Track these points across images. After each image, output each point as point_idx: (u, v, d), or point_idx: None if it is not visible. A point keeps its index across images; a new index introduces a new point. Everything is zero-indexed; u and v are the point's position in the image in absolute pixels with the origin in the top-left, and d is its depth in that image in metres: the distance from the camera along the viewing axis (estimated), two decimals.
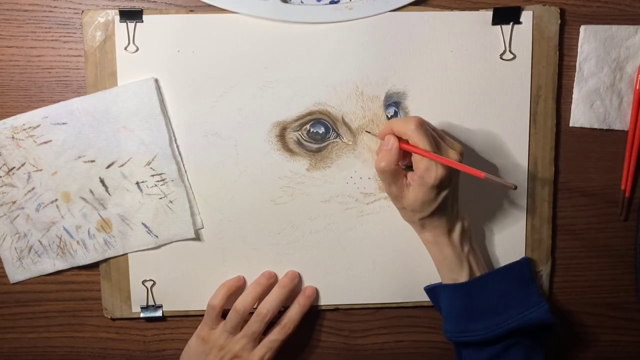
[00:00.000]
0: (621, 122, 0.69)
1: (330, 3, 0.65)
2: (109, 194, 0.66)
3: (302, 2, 0.65)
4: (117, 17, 0.64)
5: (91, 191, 0.66)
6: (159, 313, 0.69)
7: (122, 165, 0.66)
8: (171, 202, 0.66)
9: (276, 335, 0.66)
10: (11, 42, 0.65)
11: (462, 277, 0.62)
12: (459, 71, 0.66)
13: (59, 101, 0.65)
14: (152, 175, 0.66)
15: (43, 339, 0.71)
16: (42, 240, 0.67)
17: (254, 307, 0.67)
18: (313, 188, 0.67)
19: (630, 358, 0.74)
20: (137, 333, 0.71)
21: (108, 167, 0.66)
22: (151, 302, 0.69)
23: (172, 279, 0.69)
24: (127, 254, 0.68)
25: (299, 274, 0.69)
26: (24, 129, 0.65)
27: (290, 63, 0.66)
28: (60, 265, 0.68)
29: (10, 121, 0.65)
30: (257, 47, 0.65)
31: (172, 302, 0.69)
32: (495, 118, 0.67)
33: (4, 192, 0.66)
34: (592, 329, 0.73)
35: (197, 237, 0.68)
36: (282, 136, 0.66)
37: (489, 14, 0.66)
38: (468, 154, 0.67)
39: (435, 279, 0.67)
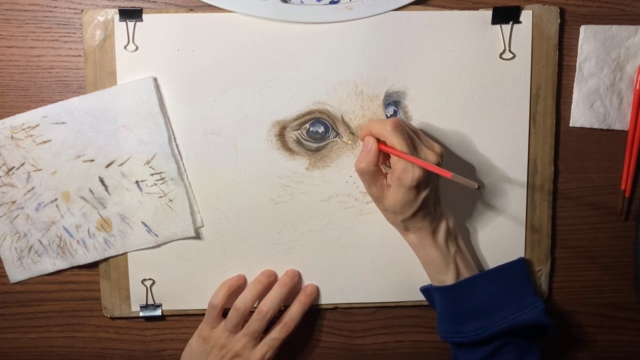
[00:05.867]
0: (621, 122, 0.69)
1: (330, 3, 0.65)
2: (109, 193, 0.66)
3: (302, 2, 0.65)
4: (117, 16, 0.64)
5: (91, 190, 0.66)
6: (158, 312, 0.69)
7: (121, 165, 0.66)
8: (171, 200, 0.66)
9: (277, 333, 0.66)
10: (11, 42, 0.65)
11: (449, 279, 0.63)
12: (458, 71, 0.66)
13: (58, 101, 0.65)
14: (152, 174, 0.66)
15: (43, 339, 0.71)
16: (42, 240, 0.67)
17: (255, 305, 0.67)
18: (312, 187, 0.67)
19: (630, 358, 0.74)
20: (137, 333, 0.71)
21: (107, 166, 0.66)
22: (150, 301, 0.69)
23: (171, 278, 0.69)
24: (127, 253, 0.68)
25: (298, 272, 0.69)
26: (23, 129, 0.65)
27: (290, 62, 0.66)
28: (60, 264, 0.68)
29: (10, 121, 0.65)
30: (256, 47, 0.65)
31: (172, 301, 0.69)
32: (495, 118, 0.67)
33: (3, 192, 0.66)
34: (592, 329, 0.73)
35: (197, 236, 0.68)
36: (281, 135, 0.66)
37: (488, 14, 0.66)
38: (467, 153, 0.67)
39: None
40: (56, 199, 0.66)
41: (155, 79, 0.65)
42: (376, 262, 0.69)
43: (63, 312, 0.70)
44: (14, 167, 0.66)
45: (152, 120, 0.65)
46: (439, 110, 0.67)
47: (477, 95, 0.67)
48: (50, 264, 0.68)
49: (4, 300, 0.70)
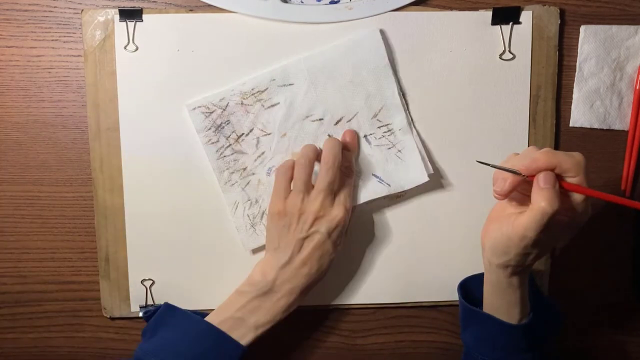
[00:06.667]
0: (621, 122, 0.69)
1: (330, 3, 0.65)
2: None
3: (302, 2, 0.65)
4: (117, 17, 0.64)
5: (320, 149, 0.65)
6: None
7: (349, 121, 0.65)
8: (399, 151, 0.66)
9: (346, 181, 0.64)
10: (11, 42, 0.65)
11: (525, 318, 0.59)
12: (458, 71, 0.66)
13: (58, 101, 0.65)
14: (379, 127, 0.65)
15: (43, 339, 0.71)
16: None
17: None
18: None
19: (630, 358, 0.74)
20: (137, 333, 0.71)
21: (336, 123, 0.66)
22: (150, 302, 0.69)
23: (171, 278, 0.69)
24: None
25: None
26: (253, 94, 0.65)
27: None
28: None
29: (239, 87, 0.65)
30: (257, 47, 0.65)
31: (171, 302, 0.69)
32: (495, 118, 0.67)
33: (235, 160, 0.66)
34: (592, 329, 0.73)
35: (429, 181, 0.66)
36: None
37: (488, 14, 0.66)
38: (467, 154, 0.67)
39: (435, 279, 0.67)
40: None
41: (382, 31, 0.65)
42: (376, 262, 0.69)
43: (63, 312, 0.70)
44: (243, 134, 0.66)
45: (381, 73, 0.65)
46: (439, 111, 0.67)
47: (477, 95, 0.67)
48: None
49: (4, 300, 0.70)
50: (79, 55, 0.66)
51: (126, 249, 0.68)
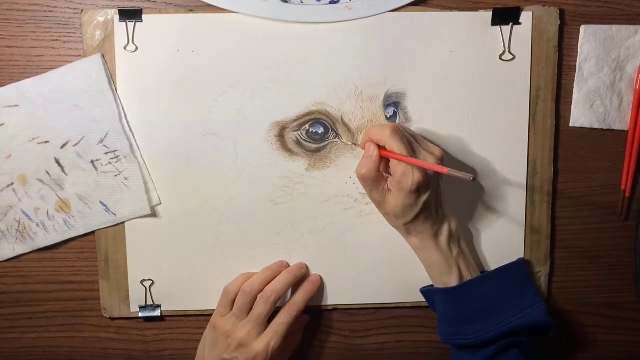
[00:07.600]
0: (621, 122, 0.69)
1: (330, 3, 0.65)
2: (66, 174, 0.66)
3: (302, 2, 0.65)
4: (117, 17, 0.64)
5: (47, 172, 0.66)
6: (157, 313, 0.69)
7: (76, 145, 0.65)
8: (126, 179, 0.66)
9: (281, 318, 0.65)
10: (11, 42, 0.65)
11: (452, 281, 0.63)
12: (458, 72, 0.66)
13: None
14: (106, 153, 0.66)
15: (43, 339, 0.71)
16: (1, 226, 0.67)
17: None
18: (312, 188, 0.67)
19: (630, 358, 0.74)
20: (137, 333, 0.71)
21: (62, 147, 0.65)
22: (150, 302, 0.69)
23: (170, 278, 0.69)
24: (89, 233, 0.68)
25: (306, 265, 0.69)
26: None
27: (290, 63, 0.66)
28: (20, 249, 0.68)
29: None
30: (256, 47, 0.65)
31: (171, 302, 0.69)
32: (495, 119, 0.67)
33: None
34: (591, 329, 0.73)
35: (154, 214, 0.67)
36: (281, 136, 0.66)
37: (488, 15, 0.66)
38: (466, 154, 0.67)
39: None
40: (12, 183, 0.66)
41: (103, 56, 0.65)
42: (376, 263, 0.69)
43: (63, 312, 0.70)
44: None
45: (102, 98, 0.65)
46: (439, 112, 0.67)
47: (477, 96, 0.67)
48: (10, 249, 0.68)
49: (4, 300, 0.70)
50: (79, 56, 0.66)
51: (126, 249, 0.68)
